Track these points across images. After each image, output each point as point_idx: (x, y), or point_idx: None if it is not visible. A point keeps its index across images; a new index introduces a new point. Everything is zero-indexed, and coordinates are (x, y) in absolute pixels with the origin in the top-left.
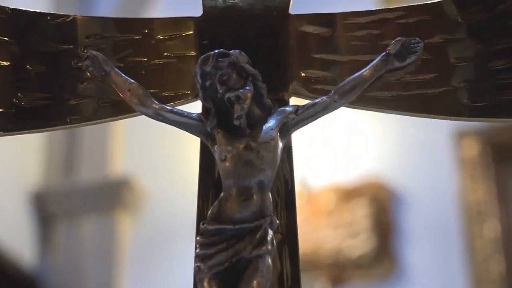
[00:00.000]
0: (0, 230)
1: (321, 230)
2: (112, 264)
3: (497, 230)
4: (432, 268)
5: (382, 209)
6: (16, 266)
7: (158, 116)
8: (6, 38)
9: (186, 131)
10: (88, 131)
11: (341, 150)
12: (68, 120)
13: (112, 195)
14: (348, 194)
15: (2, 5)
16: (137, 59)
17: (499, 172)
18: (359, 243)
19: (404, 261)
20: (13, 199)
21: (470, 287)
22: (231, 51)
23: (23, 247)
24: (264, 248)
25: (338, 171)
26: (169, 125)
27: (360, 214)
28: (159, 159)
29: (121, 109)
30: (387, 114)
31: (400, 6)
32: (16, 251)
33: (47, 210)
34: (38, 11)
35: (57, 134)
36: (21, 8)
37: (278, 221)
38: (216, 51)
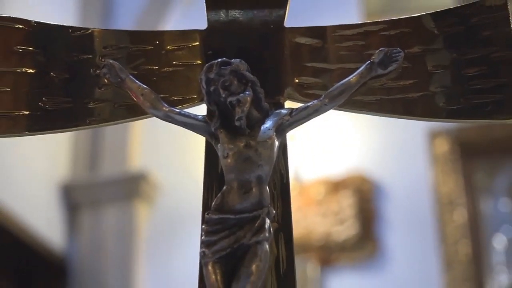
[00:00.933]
0: (33, 217)
1: (312, 218)
2: (130, 247)
3: (465, 217)
4: (409, 250)
5: (365, 199)
6: (47, 249)
7: (167, 118)
8: (32, 49)
9: (193, 131)
10: (110, 131)
11: (329, 148)
12: (88, 121)
13: (131, 187)
14: (336, 186)
15: (29, 19)
16: (149, 67)
17: (466, 167)
18: (345, 229)
19: (384, 244)
20: (44, 190)
21: (442, 267)
22: (233, 60)
23: (53, 233)
24: (262, 235)
25: (327, 166)
26: (178, 126)
27: (346, 203)
28: (171, 156)
29: (135, 112)
30: (371, 116)
31: (383, 20)
32: (46, 236)
33: (74, 200)
34: (61, 24)
35: (83, 134)
36: (45, 22)
37: (274, 211)
38: (219, 60)
